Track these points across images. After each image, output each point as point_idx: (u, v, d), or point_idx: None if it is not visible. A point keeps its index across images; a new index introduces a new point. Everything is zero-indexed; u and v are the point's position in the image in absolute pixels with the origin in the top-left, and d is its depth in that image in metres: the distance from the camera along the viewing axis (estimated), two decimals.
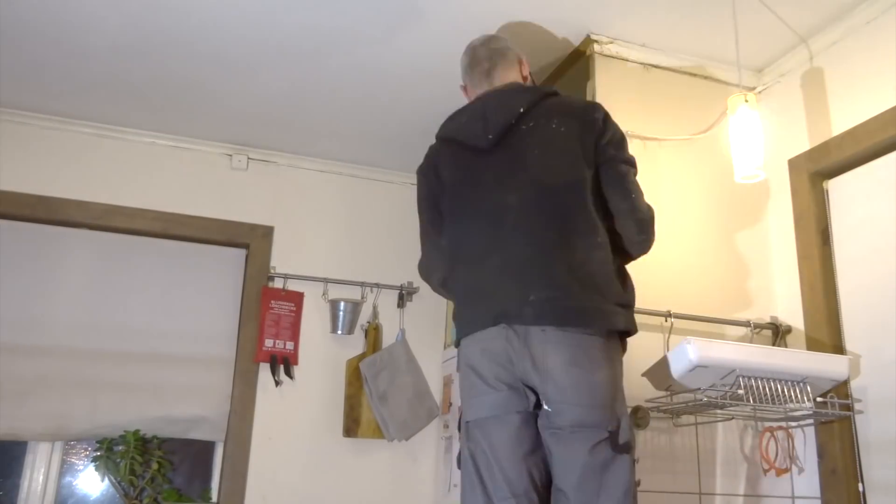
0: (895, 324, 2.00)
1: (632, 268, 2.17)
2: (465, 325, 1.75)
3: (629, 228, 1.75)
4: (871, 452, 2.04)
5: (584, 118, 1.78)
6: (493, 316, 1.66)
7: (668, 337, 2.16)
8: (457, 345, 1.80)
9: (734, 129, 2.08)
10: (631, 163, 1.79)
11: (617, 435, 1.58)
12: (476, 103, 1.88)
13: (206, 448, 3.15)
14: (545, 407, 1.60)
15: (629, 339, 1.73)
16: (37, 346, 2.92)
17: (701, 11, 2.27)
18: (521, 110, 1.78)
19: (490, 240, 1.72)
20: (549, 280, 1.64)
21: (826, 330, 2.17)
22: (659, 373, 1.97)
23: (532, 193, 1.71)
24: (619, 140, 1.79)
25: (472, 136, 1.81)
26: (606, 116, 1.80)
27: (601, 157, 1.75)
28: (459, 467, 1.79)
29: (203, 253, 3.21)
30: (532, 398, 1.63)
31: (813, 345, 2.19)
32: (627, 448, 1.60)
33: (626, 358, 1.73)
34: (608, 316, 1.64)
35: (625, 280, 1.75)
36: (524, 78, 1.96)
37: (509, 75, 1.92)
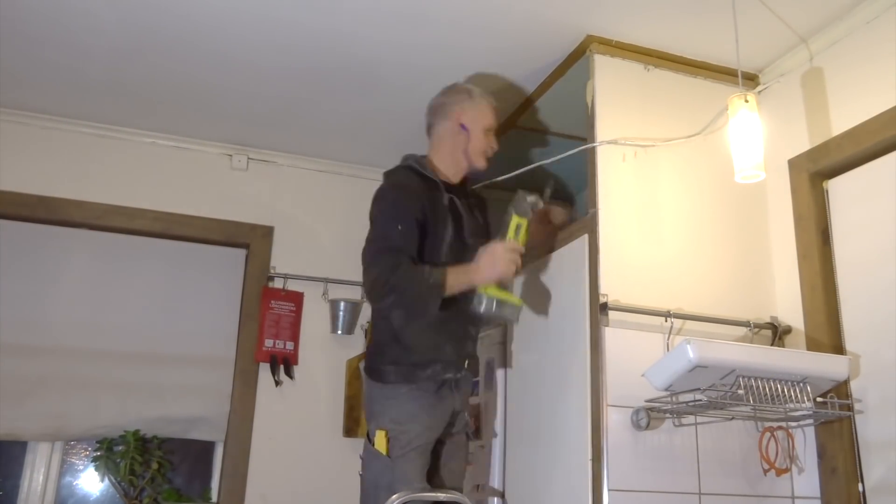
0: (895, 324, 2.00)
1: (633, 267, 2.18)
2: None
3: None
4: (871, 452, 2.03)
5: None
6: None
7: (669, 337, 2.16)
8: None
9: (734, 130, 2.08)
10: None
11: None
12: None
13: (206, 448, 3.15)
14: None
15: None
16: (37, 346, 2.92)
17: (701, 11, 2.27)
18: None
19: None
20: None
21: (826, 330, 2.17)
22: (659, 373, 1.97)
23: None
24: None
25: None
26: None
27: None
28: None
29: (203, 253, 3.21)
30: None
31: (813, 345, 2.19)
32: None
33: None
34: None
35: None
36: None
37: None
